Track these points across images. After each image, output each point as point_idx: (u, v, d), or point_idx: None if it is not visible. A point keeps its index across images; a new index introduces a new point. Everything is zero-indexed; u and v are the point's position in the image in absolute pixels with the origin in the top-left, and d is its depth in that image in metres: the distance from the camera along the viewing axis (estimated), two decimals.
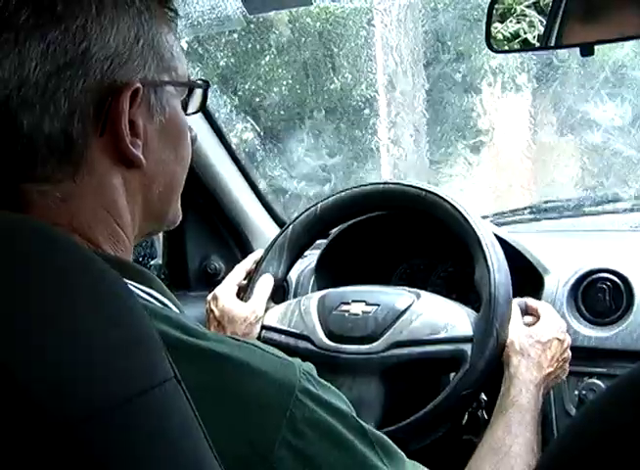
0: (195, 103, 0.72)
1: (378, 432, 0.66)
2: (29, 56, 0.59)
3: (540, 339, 1.08)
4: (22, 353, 0.44)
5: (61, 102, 0.60)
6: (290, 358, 0.63)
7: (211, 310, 1.19)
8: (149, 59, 0.65)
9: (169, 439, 0.47)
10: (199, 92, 0.72)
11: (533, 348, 1.07)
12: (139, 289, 0.61)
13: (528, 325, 1.11)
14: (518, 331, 1.09)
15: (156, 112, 0.66)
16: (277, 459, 0.58)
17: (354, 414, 0.65)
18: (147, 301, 0.61)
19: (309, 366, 0.64)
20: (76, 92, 0.60)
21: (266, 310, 1.21)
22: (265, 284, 1.23)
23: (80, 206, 0.62)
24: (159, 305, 0.62)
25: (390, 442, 0.67)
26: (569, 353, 1.11)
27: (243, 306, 1.19)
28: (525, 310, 1.14)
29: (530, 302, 1.16)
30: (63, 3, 0.60)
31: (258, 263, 1.26)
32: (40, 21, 0.60)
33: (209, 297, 1.22)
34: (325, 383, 0.64)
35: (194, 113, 0.73)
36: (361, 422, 0.65)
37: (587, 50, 1.04)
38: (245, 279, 1.26)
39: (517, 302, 1.13)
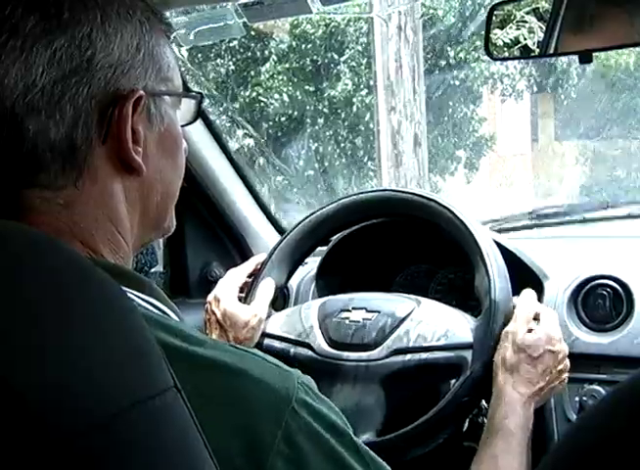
0: (189, 114, 0.73)
1: (372, 452, 0.66)
2: (36, 62, 0.60)
3: (532, 353, 1.04)
4: (22, 366, 0.44)
5: (66, 108, 0.60)
6: (289, 369, 0.63)
7: (213, 313, 1.18)
8: (149, 69, 0.65)
9: (169, 448, 0.47)
10: (193, 103, 0.73)
11: (522, 363, 1.03)
12: (138, 297, 0.61)
13: (529, 331, 1.09)
14: (509, 346, 1.05)
15: (155, 120, 0.67)
16: (270, 469, 0.58)
17: (350, 431, 0.64)
18: (146, 309, 0.61)
19: (308, 379, 0.64)
20: (81, 99, 0.61)
21: (267, 317, 1.21)
22: (267, 288, 1.22)
23: (82, 212, 0.63)
24: (158, 313, 0.62)
25: (384, 463, 0.67)
26: (566, 364, 1.08)
27: (245, 310, 1.17)
28: None
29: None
30: (69, 11, 0.61)
31: (260, 269, 1.26)
32: (47, 28, 0.60)
33: (210, 298, 1.20)
34: (323, 397, 0.64)
35: (188, 124, 0.73)
36: (356, 439, 0.64)
37: (586, 57, 1.05)
38: (244, 282, 1.25)
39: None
